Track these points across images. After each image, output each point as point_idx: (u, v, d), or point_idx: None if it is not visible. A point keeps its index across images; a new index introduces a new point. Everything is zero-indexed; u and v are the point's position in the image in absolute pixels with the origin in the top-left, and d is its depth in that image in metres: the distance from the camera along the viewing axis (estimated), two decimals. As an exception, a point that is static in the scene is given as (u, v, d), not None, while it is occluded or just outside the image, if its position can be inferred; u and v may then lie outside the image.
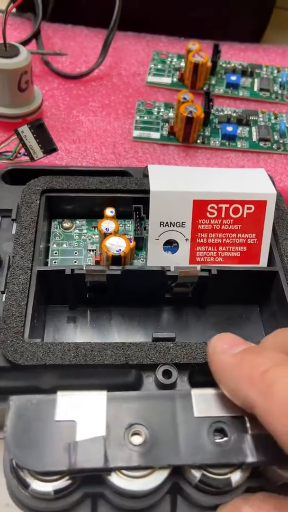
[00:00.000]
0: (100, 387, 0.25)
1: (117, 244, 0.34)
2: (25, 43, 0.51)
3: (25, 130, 0.36)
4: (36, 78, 0.50)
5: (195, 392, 0.25)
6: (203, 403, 0.24)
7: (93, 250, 0.38)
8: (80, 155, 0.45)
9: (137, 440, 0.23)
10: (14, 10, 0.61)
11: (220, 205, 0.34)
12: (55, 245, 0.38)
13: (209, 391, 0.25)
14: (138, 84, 0.53)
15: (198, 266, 0.33)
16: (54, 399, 0.25)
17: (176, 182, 0.35)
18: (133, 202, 0.39)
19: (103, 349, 0.29)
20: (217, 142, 0.48)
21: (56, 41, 0.56)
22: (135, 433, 0.23)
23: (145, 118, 0.49)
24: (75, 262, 0.37)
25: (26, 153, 0.37)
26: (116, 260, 0.34)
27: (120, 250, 0.34)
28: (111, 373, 0.29)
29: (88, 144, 0.46)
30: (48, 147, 0.37)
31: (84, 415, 0.24)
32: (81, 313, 0.36)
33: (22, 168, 0.40)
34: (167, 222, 0.35)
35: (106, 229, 0.35)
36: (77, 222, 0.40)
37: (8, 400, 0.24)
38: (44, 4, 0.53)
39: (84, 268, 0.33)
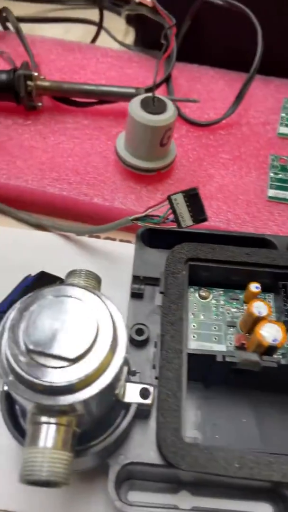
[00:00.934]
0: None
1: (273, 333, 0.32)
2: (155, 87, 0.50)
3: (178, 198, 0.35)
4: (165, 124, 0.49)
5: None
6: None
7: (233, 326, 0.36)
8: (214, 213, 0.43)
9: None
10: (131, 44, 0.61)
11: None
12: (192, 315, 0.36)
13: None
14: (269, 135, 0.50)
15: None
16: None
17: None
18: (276, 276, 0.36)
19: (270, 463, 0.26)
20: None
21: (182, 83, 0.55)
22: None
23: (280, 175, 0.46)
24: (215, 338, 0.35)
25: (174, 220, 0.35)
26: (270, 350, 0.31)
27: (276, 340, 0.31)
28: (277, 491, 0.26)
29: (220, 202, 0.44)
30: (199, 216, 0.35)
31: None
32: (217, 392, 0.34)
33: (160, 229, 0.39)
34: None
35: (258, 312, 0.33)
36: (214, 291, 0.38)
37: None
38: (167, 43, 0.52)
39: (235, 356, 0.31)
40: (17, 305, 0.22)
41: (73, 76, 0.55)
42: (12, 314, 0.21)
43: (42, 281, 0.35)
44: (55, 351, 0.20)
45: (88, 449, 0.25)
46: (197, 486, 0.30)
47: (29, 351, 0.20)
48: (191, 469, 0.26)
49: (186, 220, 0.35)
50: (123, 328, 0.22)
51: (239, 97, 0.50)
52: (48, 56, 0.57)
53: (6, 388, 0.25)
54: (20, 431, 0.26)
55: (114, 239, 0.45)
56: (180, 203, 0.35)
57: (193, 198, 0.35)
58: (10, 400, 0.26)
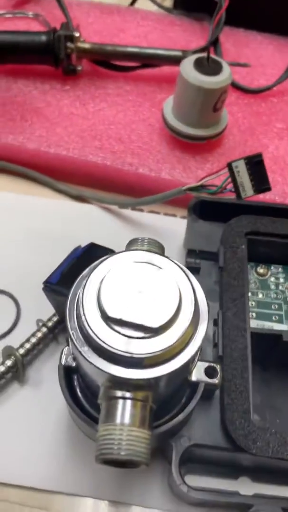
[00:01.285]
0: None
1: None
2: (202, 50, 0.47)
3: (239, 165, 0.32)
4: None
5: None
6: None
7: (294, 305, 0.34)
8: (268, 186, 0.40)
9: None
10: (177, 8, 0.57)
11: None
12: (250, 293, 0.34)
13: None
14: None
15: None
16: None
17: None
18: None
19: None
20: None
21: (228, 47, 0.51)
22: None
23: None
24: (275, 318, 0.33)
25: (233, 190, 0.33)
26: None
27: None
28: None
29: (275, 174, 0.41)
30: (262, 186, 0.32)
31: None
32: (275, 374, 0.32)
33: (213, 200, 0.36)
34: None
35: None
36: (272, 268, 0.35)
37: None
38: (220, 3, 0.48)
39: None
40: (87, 272, 0.20)
41: (113, 39, 0.52)
42: (90, 278, 0.19)
43: (92, 252, 0.33)
44: (136, 319, 0.18)
45: (154, 429, 0.23)
46: (257, 472, 0.29)
47: (108, 319, 0.18)
48: (262, 454, 0.24)
49: (247, 190, 0.33)
50: (204, 299, 0.20)
51: (293, 62, 0.46)
52: (86, 19, 0.54)
53: (66, 361, 0.23)
54: (81, 407, 0.24)
55: (158, 213, 0.43)
56: (241, 171, 0.32)
57: (256, 165, 0.32)
58: (69, 377, 0.25)
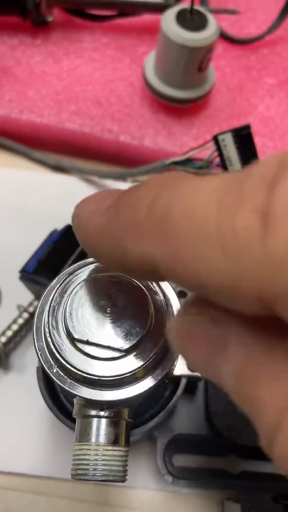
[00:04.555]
0: None
1: None
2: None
3: (226, 138, 0.29)
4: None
5: None
6: None
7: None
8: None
9: None
10: None
11: None
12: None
13: None
14: None
15: None
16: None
17: None
18: None
19: None
20: None
21: (216, -11, 0.46)
22: None
23: None
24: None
25: (220, 164, 0.31)
26: None
27: None
28: None
29: (266, 138, 0.38)
30: (250, 159, 0.30)
31: None
32: None
33: (198, 174, 0.34)
34: None
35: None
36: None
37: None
38: None
39: None
40: (54, 284, 0.18)
41: (87, -18, 0.46)
42: (50, 295, 0.18)
43: (70, 235, 0.31)
44: (104, 341, 0.17)
45: (137, 426, 0.23)
46: (245, 450, 0.29)
47: (74, 340, 0.17)
48: (246, 443, 0.24)
49: (235, 164, 0.30)
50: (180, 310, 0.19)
51: (286, 8, 0.42)
52: None
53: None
54: (59, 405, 0.24)
55: (142, 182, 0.40)
56: (228, 144, 0.30)
57: (244, 138, 0.30)
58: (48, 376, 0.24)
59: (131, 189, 0.14)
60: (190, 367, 0.17)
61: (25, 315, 0.33)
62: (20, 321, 0.33)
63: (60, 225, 0.33)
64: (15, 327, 0.32)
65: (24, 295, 0.33)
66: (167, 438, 0.26)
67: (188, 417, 0.27)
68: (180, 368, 0.24)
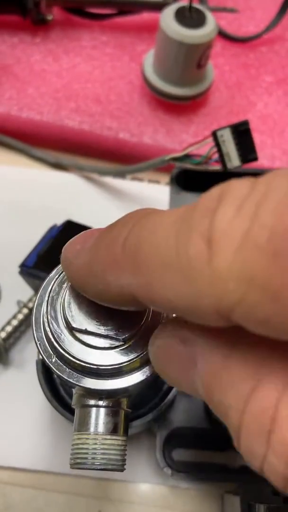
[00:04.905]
0: None
1: None
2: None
3: (225, 134, 0.30)
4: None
5: None
6: None
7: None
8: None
9: None
10: None
11: None
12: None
13: None
14: None
15: None
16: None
17: None
18: None
19: None
20: None
21: (215, -12, 0.46)
22: None
23: None
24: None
25: (218, 160, 0.31)
26: None
27: None
28: None
29: (264, 135, 0.39)
30: (248, 155, 0.30)
31: None
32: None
33: (196, 170, 0.34)
34: None
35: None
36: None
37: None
38: None
39: None
40: (54, 275, 0.19)
41: (87, -19, 0.46)
42: (49, 285, 0.18)
43: (69, 231, 0.32)
44: (103, 330, 0.17)
45: (136, 419, 0.23)
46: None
47: (72, 329, 0.17)
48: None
49: (233, 160, 0.31)
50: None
51: (284, 7, 0.42)
52: None
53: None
54: (59, 398, 0.24)
55: (141, 180, 0.40)
56: (227, 140, 0.30)
57: (242, 134, 0.30)
58: (47, 369, 0.24)
59: (109, 228, 0.16)
60: (169, 383, 0.17)
61: (25, 310, 0.33)
62: (20, 316, 0.33)
63: (59, 220, 0.33)
64: (14, 322, 0.32)
65: (24, 290, 0.33)
66: (167, 431, 0.26)
67: (187, 410, 0.27)
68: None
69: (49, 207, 0.38)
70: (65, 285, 0.18)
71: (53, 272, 0.19)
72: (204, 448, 0.28)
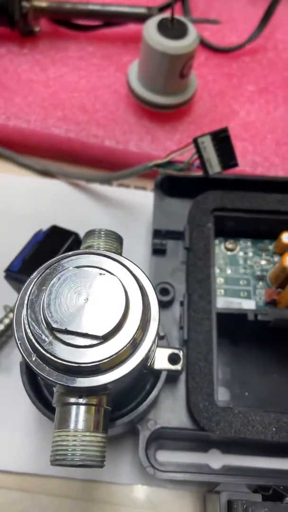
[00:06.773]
0: None
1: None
2: (168, 6, 0.43)
3: (206, 141, 0.30)
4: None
5: None
6: None
7: (262, 280, 0.33)
8: (238, 155, 0.39)
9: None
10: None
11: None
12: (218, 270, 0.34)
13: None
14: (300, 62, 0.44)
15: None
16: None
17: None
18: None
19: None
20: None
21: (199, 2, 0.48)
22: None
23: (312, 110, 0.41)
24: (243, 294, 0.33)
25: (200, 166, 0.32)
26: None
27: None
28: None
29: (246, 142, 0.40)
30: (229, 162, 0.31)
31: None
32: (245, 348, 0.32)
33: (180, 176, 0.35)
34: None
35: (293, 267, 0.30)
36: (241, 242, 0.35)
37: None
38: None
39: (268, 314, 0.29)
40: (34, 277, 0.19)
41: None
42: (29, 288, 0.19)
43: (54, 236, 0.32)
44: (82, 328, 0.17)
45: (118, 418, 0.24)
46: (227, 444, 0.30)
47: (52, 330, 0.18)
48: (225, 434, 0.25)
49: (214, 166, 0.32)
50: (155, 299, 0.20)
51: (266, 18, 0.44)
52: None
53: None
54: (43, 400, 0.24)
55: (128, 186, 0.41)
56: (208, 146, 0.31)
57: (223, 140, 0.31)
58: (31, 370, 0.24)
59: None
60: None
61: (11, 315, 0.33)
62: (6, 321, 0.33)
63: (46, 226, 0.34)
64: (1, 327, 0.33)
65: (11, 295, 0.34)
66: (149, 431, 0.26)
67: (170, 410, 0.27)
68: (161, 361, 0.25)
69: (36, 214, 0.39)
70: (44, 286, 0.19)
71: (34, 274, 0.20)
72: (186, 449, 0.29)
